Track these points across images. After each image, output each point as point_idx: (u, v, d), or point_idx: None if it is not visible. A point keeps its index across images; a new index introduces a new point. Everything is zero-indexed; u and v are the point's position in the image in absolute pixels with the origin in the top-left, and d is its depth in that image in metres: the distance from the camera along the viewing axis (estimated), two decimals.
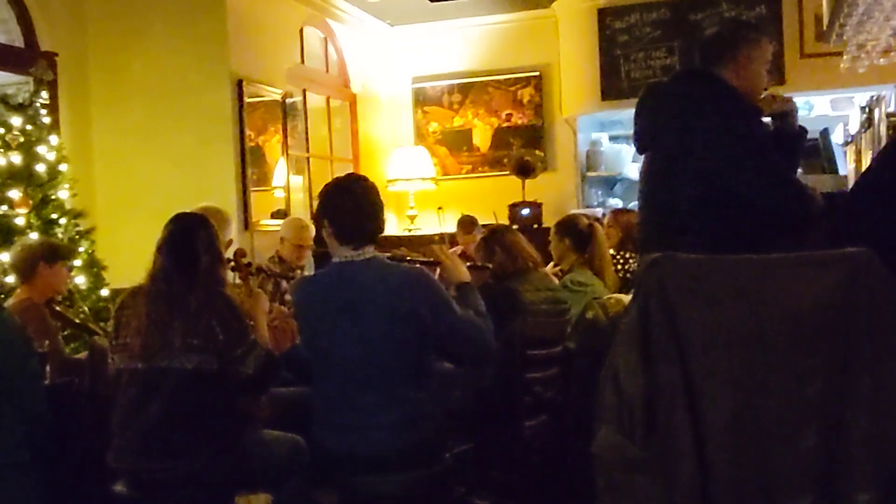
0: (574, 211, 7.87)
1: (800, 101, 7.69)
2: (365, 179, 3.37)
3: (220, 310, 3.22)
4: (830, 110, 8.24)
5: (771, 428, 2.17)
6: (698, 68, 3.22)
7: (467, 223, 6.99)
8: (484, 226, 7.70)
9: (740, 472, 2.18)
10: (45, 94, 5.49)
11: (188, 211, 3.64)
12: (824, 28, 6.52)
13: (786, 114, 3.23)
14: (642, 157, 3.34)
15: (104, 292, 5.43)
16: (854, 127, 5.61)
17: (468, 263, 3.72)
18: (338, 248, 3.25)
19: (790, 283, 2.21)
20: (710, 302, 2.24)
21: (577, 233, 4.89)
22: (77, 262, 5.27)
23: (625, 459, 2.24)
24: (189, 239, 3.32)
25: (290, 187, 7.58)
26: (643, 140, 3.23)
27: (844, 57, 5.12)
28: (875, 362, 2.12)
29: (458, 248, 7.05)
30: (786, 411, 2.17)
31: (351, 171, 8.67)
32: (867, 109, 4.99)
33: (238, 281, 3.88)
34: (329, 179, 8.34)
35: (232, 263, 3.85)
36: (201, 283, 3.25)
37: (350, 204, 3.22)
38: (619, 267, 5.18)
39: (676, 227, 3.01)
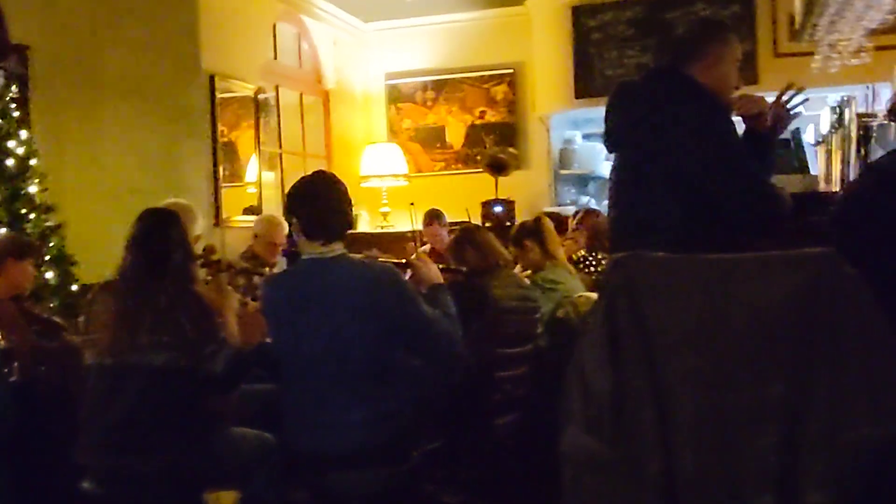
0: (546, 209, 7.90)
1: (772, 100, 7.81)
2: (332, 177, 3.41)
3: (190, 307, 3.22)
4: (803, 109, 8.28)
5: (734, 426, 2.19)
6: (668, 67, 3.24)
7: (431, 215, 7.00)
8: (456, 223, 7.73)
9: (705, 470, 2.20)
10: (14, 87, 5.43)
11: (158, 207, 3.62)
12: (797, 28, 6.58)
13: (758, 115, 3.24)
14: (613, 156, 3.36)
15: (74, 288, 5.38)
16: (825, 127, 5.65)
17: (441, 266, 3.73)
18: (306, 244, 3.27)
19: (755, 283, 2.23)
20: (676, 300, 2.26)
21: (529, 231, 4.94)
22: (47, 258, 5.23)
23: (591, 458, 2.26)
24: (160, 235, 3.32)
25: (262, 183, 7.55)
26: (613, 139, 3.25)
27: (816, 57, 5.16)
28: (834, 363, 2.15)
29: (427, 247, 7.05)
30: (748, 410, 2.19)
31: (324, 167, 8.66)
32: (838, 110, 5.04)
33: (208, 277, 3.87)
34: (302, 175, 8.36)
35: (201, 260, 3.83)
36: (171, 280, 3.25)
37: (317, 201, 3.25)
38: (592, 269, 5.22)
39: (646, 227, 3.03)
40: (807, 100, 3.29)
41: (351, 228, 3.34)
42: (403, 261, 3.64)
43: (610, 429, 2.24)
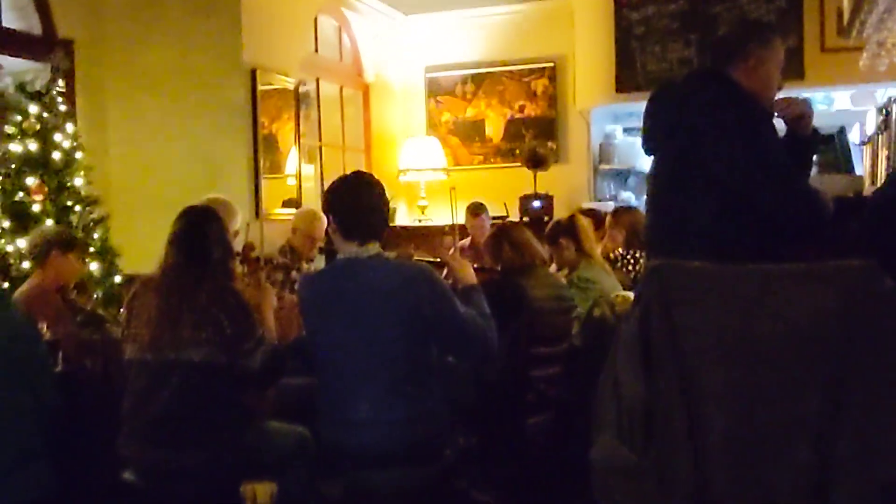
0: (585, 204, 7.88)
1: (819, 95, 7.72)
2: (370, 177, 3.43)
3: (229, 304, 3.28)
4: (851, 105, 8.19)
5: (766, 440, 2.18)
6: (709, 69, 3.21)
7: (476, 207, 7.04)
8: (495, 218, 7.74)
9: (737, 483, 2.19)
10: (61, 82, 5.53)
11: (197, 204, 3.68)
12: (845, 23, 6.49)
13: (800, 117, 3.18)
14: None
15: (117, 279, 5.49)
16: (871, 127, 5.56)
17: (476, 265, 3.76)
18: (343, 244, 3.31)
19: (790, 295, 2.21)
20: (711, 312, 2.26)
21: (564, 229, 4.94)
22: (91, 250, 5.33)
23: (622, 467, 2.27)
24: (201, 233, 3.39)
25: (301, 176, 7.61)
26: (652, 142, 3.23)
27: (864, 54, 5.08)
28: (869, 378, 2.13)
29: (467, 240, 7.08)
30: (781, 424, 2.17)
31: (363, 160, 8.72)
32: (884, 111, 4.96)
33: (246, 275, 3.93)
34: (341, 169, 8.46)
35: (240, 257, 3.89)
36: (211, 278, 3.31)
37: (354, 200, 3.28)
38: (630, 267, 5.21)
39: (682, 232, 3.01)
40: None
41: (387, 228, 3.37)
42: (438, 259, 3.67)
43: (641, 439, 2.24)
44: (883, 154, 5.02)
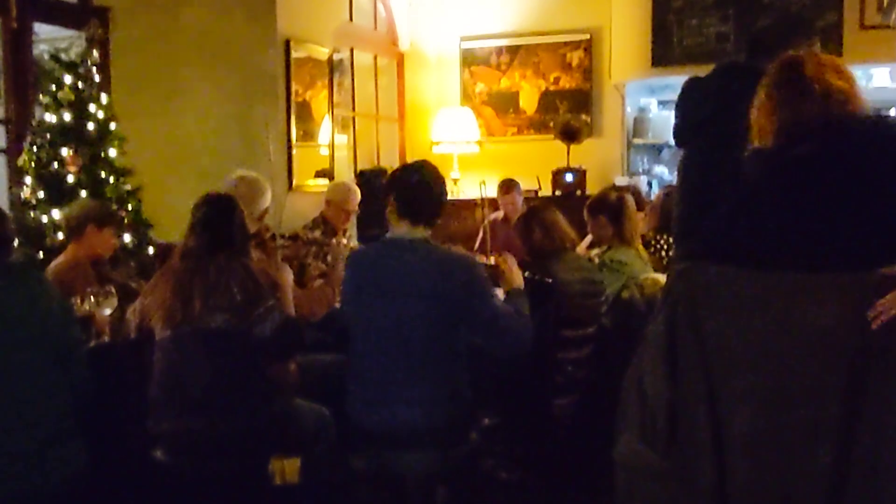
0: (618, 179, 7.84)
1: (858, 71, 7.59)
2: (434, 168, 3.55)
3: (237, 273, 3.36)
4: (889, 81, 8.06)
5: (788, 444, 2.18)
6: (742, 62, 3.17)
7: (509, 184, 7.03)
8: (527, 192, 7.72)
9: (758, 486, 2.20)
10: (96, 52, 5.54)
11: (219, 192, 3.73)
12: (885, 3, 6.37)
13: None
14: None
15: (150, 251, 5.53)
16: None
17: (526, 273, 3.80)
18: (395, 224, 3.41)
19: (816, 300, 2.20)
20: (737, 315, 2.25)
21: (609, 208, 4.90)
22: (125, 222, 5.36)
23: (645, 467, 2.28)
24: (222, 223, 3.47)
25: (334, 146, 7.62)
26: (682, 134, 3.21)
27: None
28: (890, 385, 2.12)
29: (500, 213, 7.07)
30: (804, 429, 2.17)
31: (396, 130, 8.72)
32: None
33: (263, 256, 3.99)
34: (374, 138, 8.44)
35: (256, 240, 3.95)
36: (224, 255, 3.40)
37: (416, 182, 3.41)
38: (663, 252, 5.17)
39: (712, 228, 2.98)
40: None
41: (439, 218, 3.47)
42: (492, 261, 3.74)
43: (665, 440, 2.25)
44: None
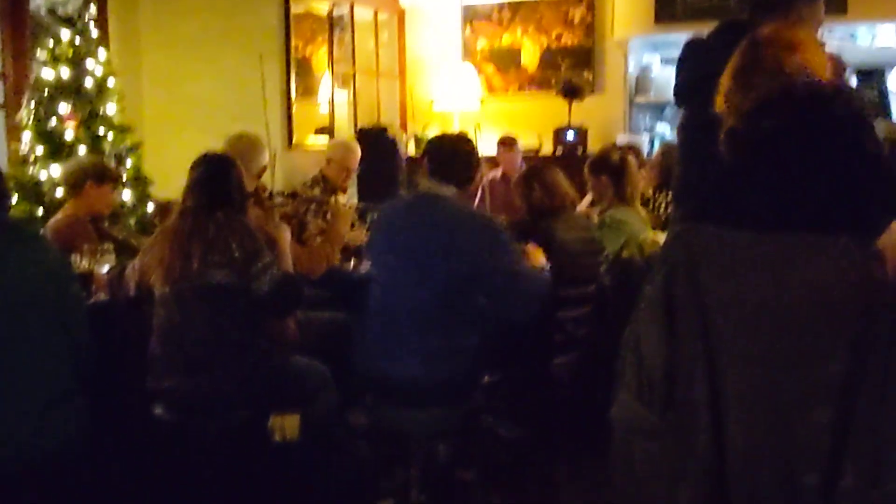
0: (620, 137, 7.80)
1: (862, 28, 7.52)
2: (470, 141, 3.73)
3: (236, 230, 3.37)
4: (895, 40, 7.97)
5: (787, 403, 2.19)
6: (744, 21, 3.12)
7: (508, 141, 6.99)
8: (527, 151, 7.69)
9: (755, 445, 2.21)
10: (93, 7, 5.49)
11: (216, 152, 3.73)
12: None
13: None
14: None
15: (150, 207, 5.52)
16: None
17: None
18: (425, 181, 3.52)
19: (814, 260, 2.21)
20: (735, 277, 2.25)
21: (612, 167, 4.87)
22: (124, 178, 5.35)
23: (642, 426, 2.29)
24: (220, 182, 3.48)
25: (334, 102, 7.57)
26: (682, 94, 3.17)
27: None
28: (888, 347, 2.12)
29: (499, 172, 7.04)
30: (803, 388, 2.18)
31: (397, 87, 8.66)
32: None
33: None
34: (375, 95, 8.35)
35: (253, 199, 3.93)
36: (223, 213, 3.40)
37: (449, 146, 3.59)
38: (661, 210, 5.16)
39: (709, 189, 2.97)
40: None
41: (468, 183, 3.58)
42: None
43: (662, 400, 2.25)
44: None
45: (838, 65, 2.79)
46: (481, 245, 3.34)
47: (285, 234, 3.88)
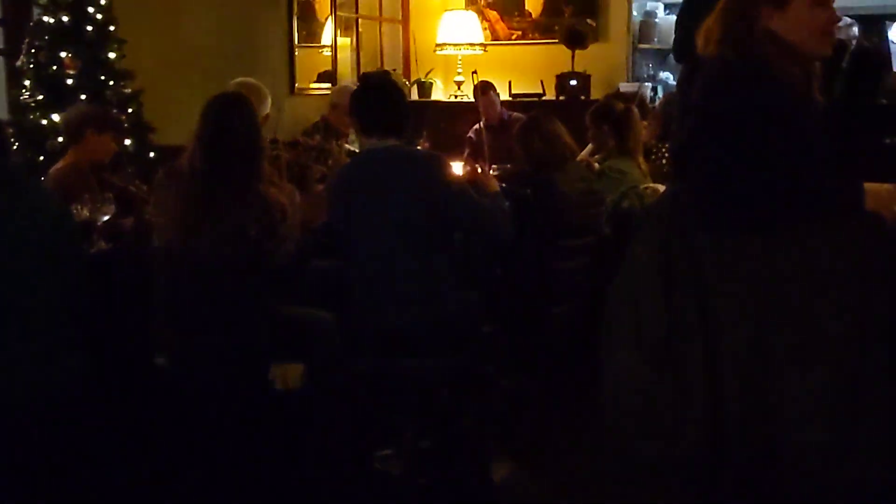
0: (622, 84, 7.75)
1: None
2: (385, 78, 3.76)
3: (252, 206, 3.26)
4: None
5: (783, 362, 2.21)
6: None
7: (485, 85, 6.88)
8: (530, 96, 7.64)
9: (751, 403, 2.23)
10: None
11: (227, 94, 3.62)
12: None
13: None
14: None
15: (152, 155, 5.50)
16: None
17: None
18: (365, 141, 3.60)
19: (809, 232, 2.22)
20: (731, 237, 2.26)
21: (614, 118, 4.86)
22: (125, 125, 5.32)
23: (639, 388, 2.31)
24: (227, 134, 3.30)
25: (337, 48, 7.52)
26: (681, 48, 3.16)
27: None
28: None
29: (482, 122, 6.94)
30: (801, 345, 2.19)
31: (399, 33, 8.58)
32: None
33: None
34: (377, 40, 8.29)
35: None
36: (237, 176, 3.29)
37: (372, 100, 3.53)
38: (664, 161, 5.15)
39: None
40: None
41: (404, 127, 3.55)
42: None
43: (658, 358, 2.27)
44: None
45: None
46: (435, 178, 3.42)
47: (293, 197, 3.82)
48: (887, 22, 5.96)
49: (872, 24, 6.69)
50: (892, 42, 5.91)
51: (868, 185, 2.22)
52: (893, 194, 2.25)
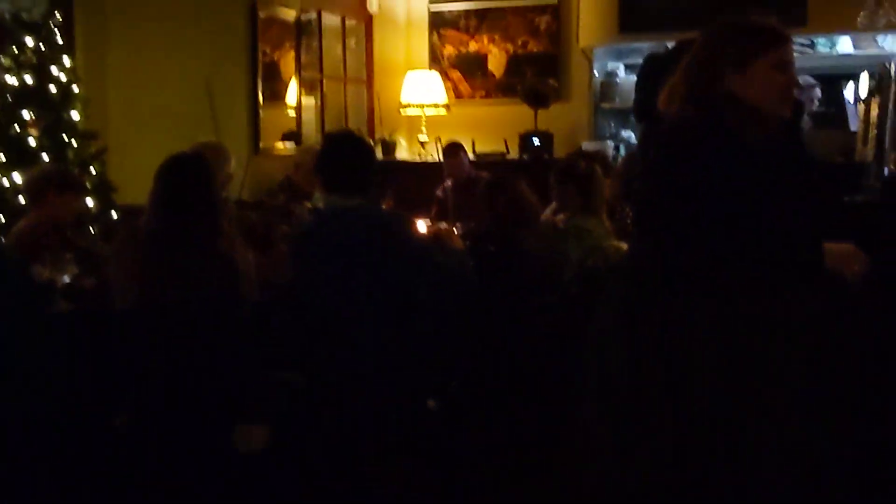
0: (585, 144, 7.85)
1: (822, 39, 7.60)
2: (357, 137, 3.70)
3: (212, 263, 3.28)
4: (852, 49, 8.08)
5: (748, 416, 2.23)
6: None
7: (455, 147, 6.99)
8: (492, 156, 7.71)
9: (717, 456, 2.24)
10: (58, 13, 5.45)
11: (183, 155, 3.57)
12: None
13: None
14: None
15: (114, 214, 5.48)
16: (864, 91, 5.50)
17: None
18: (328, 198, 3.57)
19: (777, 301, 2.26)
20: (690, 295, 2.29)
21: (578, 177, 4.90)
22: (87, 185, 5.30)
23: (606, 437, 2.32)
24: (182, 188, 3.31)
25: (302, 108, 7.57)
26: (640, 109, 3.22)
27: (862, 12, 5.02)
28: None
29: (450, 182, 7.00)
30: (764, 401, 2.22)
31: (364, 93, 8.66)
32: (876, 75, 4.93)
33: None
34: (342, 101, 8.35)
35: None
36: (194, 235, 3.29)
37: (337, 157, 3.51)
38: (627, 221, 5.19)
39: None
40: None
41: (370, 185, 3.52)
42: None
43: (625, 413, 2.28)
44: (875, 114, 4.99)
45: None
46: (397, 238, 3.43)
47: (246, 256, 3.82)
48: (843, 80, 6.12)
49: (829, 84, 6.82)
50: (848, 102, 6.06)
51: (827, 245, 2.26)
52: (852, 253, 2.28)
